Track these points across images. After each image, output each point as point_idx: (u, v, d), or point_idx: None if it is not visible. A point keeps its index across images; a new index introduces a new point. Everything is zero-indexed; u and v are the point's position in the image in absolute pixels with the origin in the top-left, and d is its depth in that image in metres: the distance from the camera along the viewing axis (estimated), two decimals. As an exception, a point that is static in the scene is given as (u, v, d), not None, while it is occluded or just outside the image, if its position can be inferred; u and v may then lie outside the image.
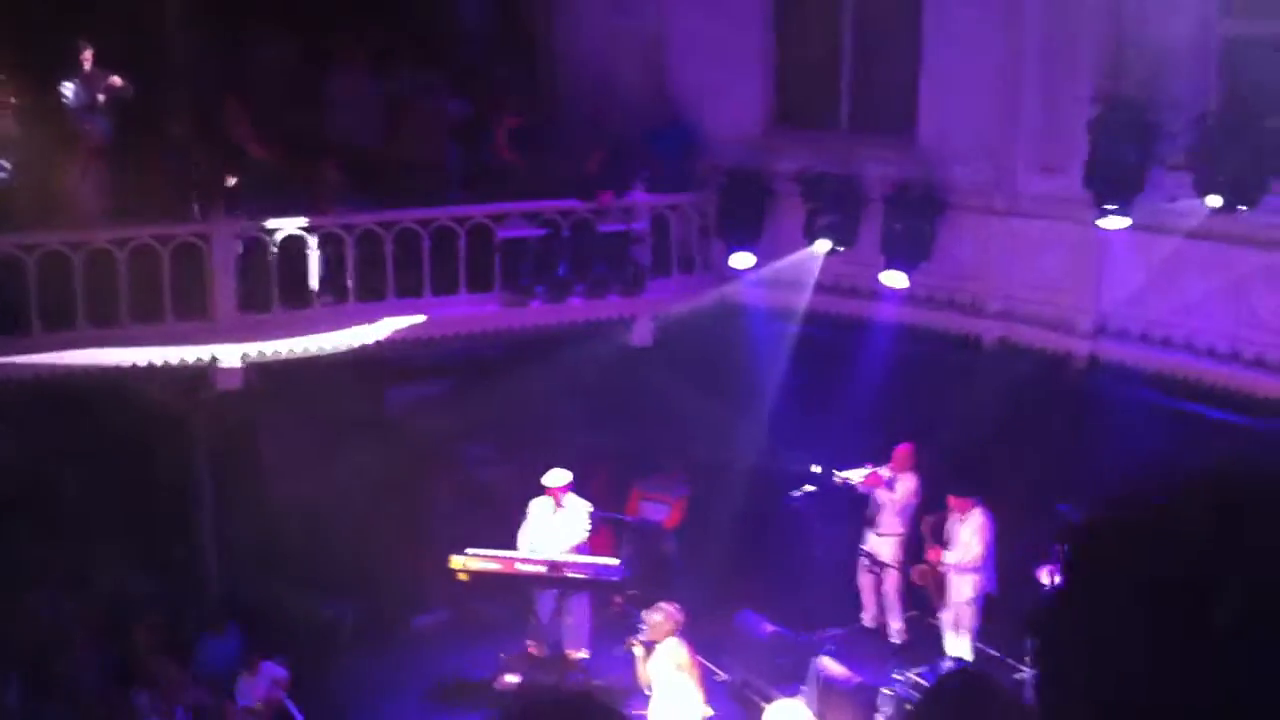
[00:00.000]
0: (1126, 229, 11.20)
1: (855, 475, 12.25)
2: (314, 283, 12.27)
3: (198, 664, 11.65)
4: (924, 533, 11.73)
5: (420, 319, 12.64)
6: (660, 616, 10.16)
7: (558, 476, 12.08)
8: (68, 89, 12.19)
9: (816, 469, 12.23)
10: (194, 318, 11.92)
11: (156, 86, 13.06)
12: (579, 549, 11.98)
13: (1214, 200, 10.22)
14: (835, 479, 12.17)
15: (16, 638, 11.40)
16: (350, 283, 12.42)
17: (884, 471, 12.29)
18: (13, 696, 11.14)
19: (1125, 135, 11.13)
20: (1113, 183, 11.21)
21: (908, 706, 10.32)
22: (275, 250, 12.12)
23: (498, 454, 14.60)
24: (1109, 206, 11.19)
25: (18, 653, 11.35)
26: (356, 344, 12.44)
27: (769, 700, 11.55)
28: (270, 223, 12.16)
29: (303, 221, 12.24)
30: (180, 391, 12.00)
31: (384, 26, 14.66)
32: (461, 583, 12.00)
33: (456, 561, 11.69)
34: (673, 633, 10.08)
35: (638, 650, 10.37)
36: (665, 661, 10.08)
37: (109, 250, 11.50)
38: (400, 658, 12.70)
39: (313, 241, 12.23)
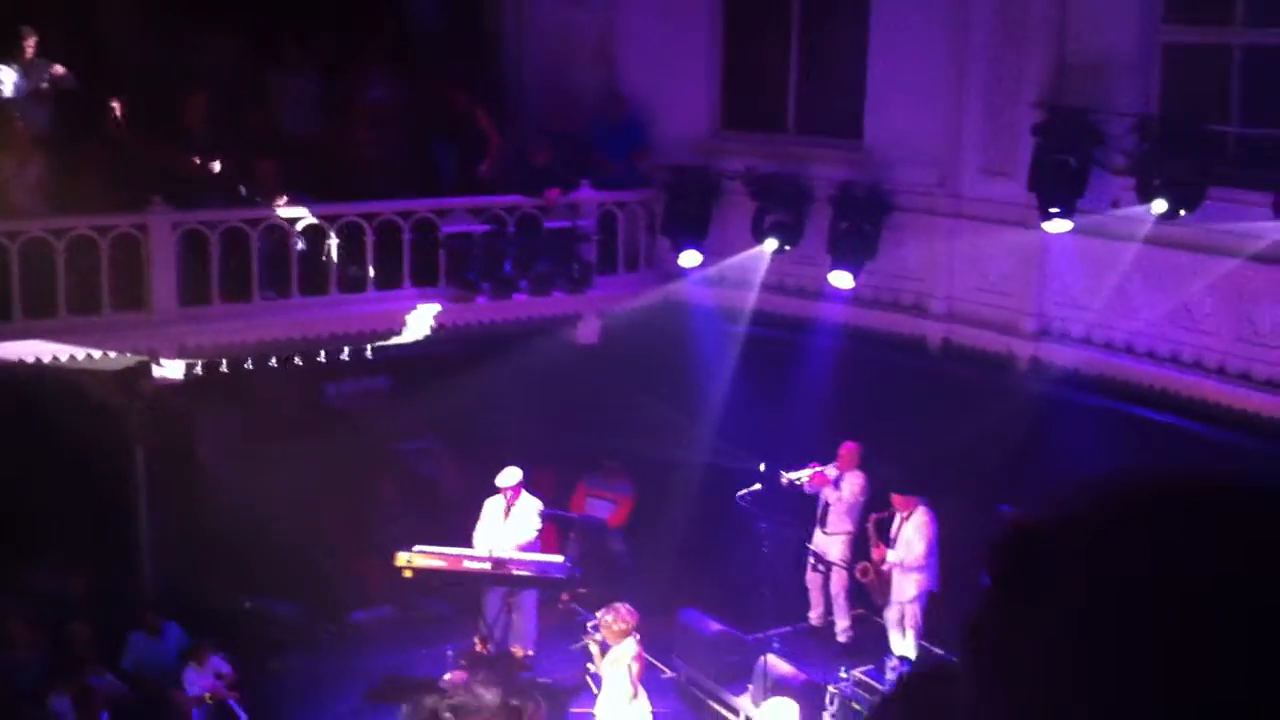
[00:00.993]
0: (1069, 232, 11.33)
1: (801, 475, 12.30)
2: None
3: (130, 662, 11.46)
4: (869, 530, 11.80)
5: (362, 313, 12.54)
6: (612, 616, 10.11)
7: (510, 475, 12.01)
8: (6, 76, 11.95)
9: (763, 467, 12.25)
10: (132, 310, 11.72)
11: (98, 78, 12.87)
12: (529, 546, 11.92)
13: (1158, 206, 10.36)
14: (782, 479, 12.20)
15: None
16: (294, 275, 12.27)
17: (830, 470, 12.35)
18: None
19: (1068, 140, 11.27)
20: (1056, 187, 11.34)
21: (855, 706, 10.36)
22: (216, 243, 11.95)
23: (441, 450, 14.52)
24: (1052, 210, 11.31)
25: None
26: (298, 338, 12.31)
27: (715, 699, 11.58)
28: (210, 215, 11.99)
29: (245, 214, 12.08)
30: (118, 385, 11.79)
31: (333, 25, 14.53)
32: (405, 580, 11.90)
33: (402, 558, 11.59)
34: (628, 634, 10.05)
35: (593, 647, 10.31)
36: (618, 661, 10.04)
37: (47, 241, 11.28)
38: (343, 655, 12.56)
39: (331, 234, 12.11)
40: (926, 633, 11.65)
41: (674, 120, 14.07)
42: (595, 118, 14.09)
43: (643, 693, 10.14)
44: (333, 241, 12.36)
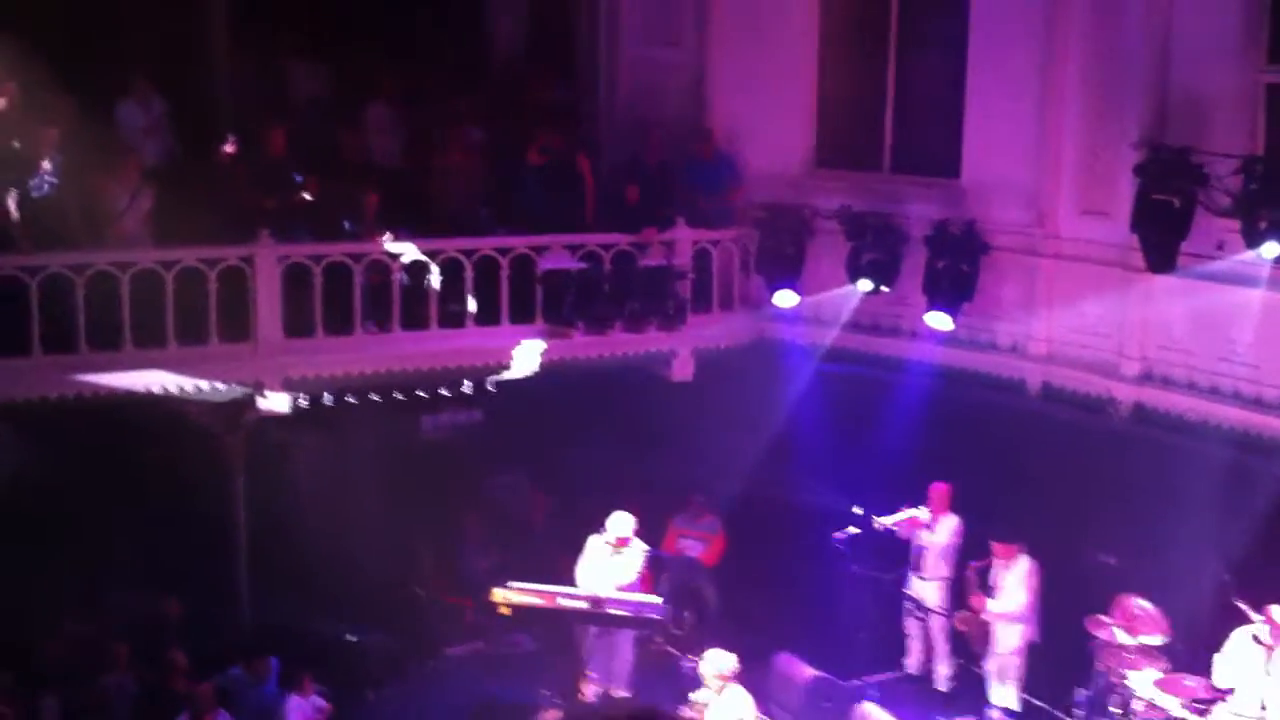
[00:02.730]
0: (1174, 274, 11.18)
1: (894, 519, 12.19)
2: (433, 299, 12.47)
3: (235, 705, 11.53)
4: (969, 579, 11.63)
5: (461, 348, 12.66)
6: (717, 664, 9.98)
7: (624, 524, 11.95)
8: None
9: (858, 510, 12.16)
10: (238, 341, 11.89)
11: (201, 112, 13.15)
12: (629, 588, 11.88)
13: (1270, 249, 10.19)
14: (875, 524, 12.10)
15: (55, 658, 11.32)
16: (395, 309, 12.40)
17: (923, 514, 12.23)
18: (50, 717, 11.07)
19: (1171, 180, 11.11)
20: (1158, 228, 11.20)
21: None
22: (319, 275, 12.12)
23: (530, 484, 14.57)
24: (1155, 253, 11.17)
25: (56, 673, 11.28)
26: (398, 370, 12.44)
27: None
28: (314, 249, 12.16)
29: (348, 248, 12.24)
30: (221, 415, 11.96)
31: (420, 57, 14.74)
32: (496, 614, 11.92)
33: (498, 594, 11.59)
34: (730, 680, 9.91)
35: (700, 700, 10.11)
36: (726, 711, 9.91)
37: (156, 272, 11.49)
38: (434, 688, 12.61)
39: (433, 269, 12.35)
40: (1028, 684, 11.46)
41: (767, 157, 14.07)
42: (687, 155, 14.13)
43: None
44: (434, 276, 12.47)
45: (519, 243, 12.90)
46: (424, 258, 12.45)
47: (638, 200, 13.68)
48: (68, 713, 11.14)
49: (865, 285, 12.96)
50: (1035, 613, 11.37)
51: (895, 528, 12.16)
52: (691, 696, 10.18)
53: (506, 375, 12.83)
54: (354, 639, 12.25)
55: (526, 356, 12.81)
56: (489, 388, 13.01)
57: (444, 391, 12.86)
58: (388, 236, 12.45)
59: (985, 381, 12.75)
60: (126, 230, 11.79)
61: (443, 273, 12.56)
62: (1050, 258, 12.45)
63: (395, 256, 12.37)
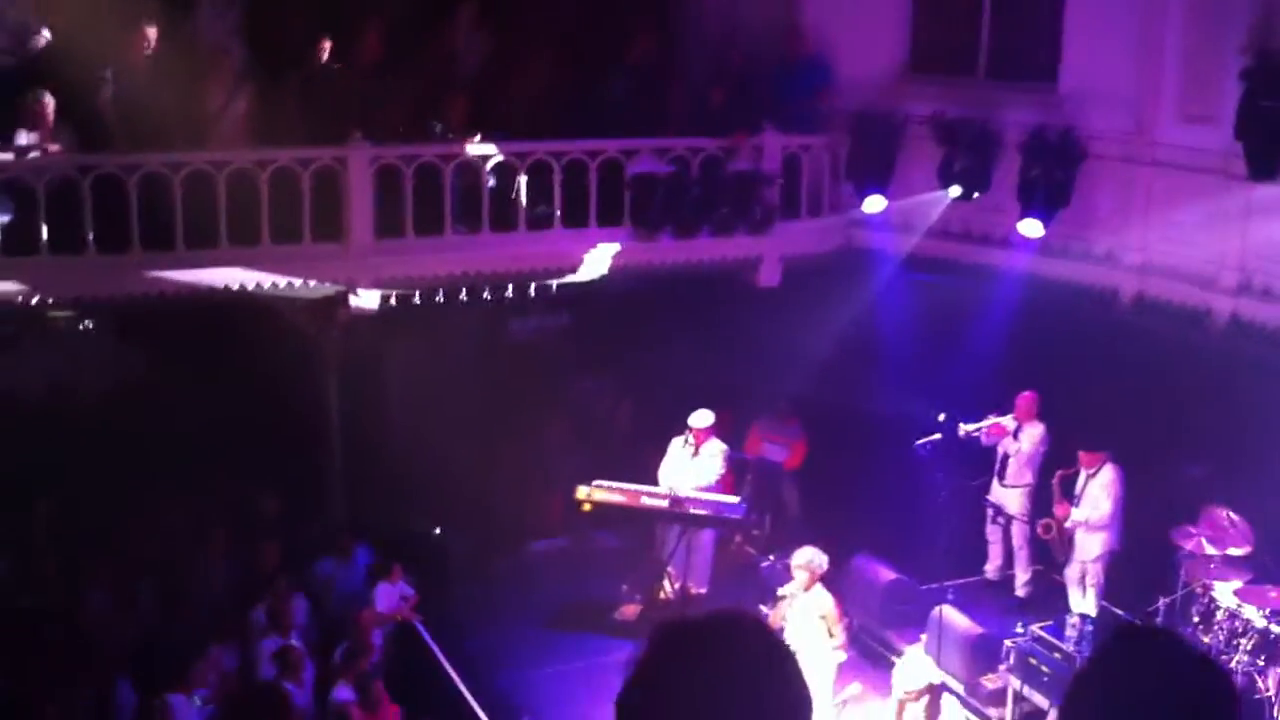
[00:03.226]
0: (1276, 183, 10.88)
1: (979, 426, 12.14)
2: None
3: (318, 585, 11.92)
4: (1053, 487, 11.58)
5: (549, 251, 12.75)
6: (807, 559, 10.07)
7: (703, 418, 12.11)
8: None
9: (942, 417, 12.13)
10: (331, 241, 12.08)
11: (293, 14, 13.21)
12: (709, 489, 12.01)
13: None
14: (960, 431, 12.06)
15: (151, 548, 11.73)
16: (485, 212, 12.50)
17: (1008, 422, 12.17)
18: (145, 603, 11.52)
19: (1278, 87, 10.79)
20: (1263, 136, 10.89)
21: (1033, 661, 10.23)
22: (410, 177, 12.23)
23: (616, 387, 14.71)
24: (1258, 161, 10.88)
25: (151, 562, 11.70)
26: (487, 272, 12.56)
27: (887, 647, 11.57)
28: (405, 150, 12.26)
29: (439, 150, 12.32)
30: (316, 313, 12.18)
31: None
32: (580, 513, 12.14)
33: (582, 492, 11.81)
34: (818, 579, 10.01)
35: (786, 593, 10.22)
36: (808, 608, 10.02)
37: (251, 171, 11.67)
38: (518, 584, 12.91)
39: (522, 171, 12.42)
40: (1108, 593, 11.44)
41: (859, 62, 13.83)
42: (777, 58, 13.95)
43: (840, 638, 10.00)
44: (522, 179, 12.53)
45: (609, 145, 12.89)
46: (511, 160, 12.48)
47: (723, 103, 13.56)
48: (164, 596, 11.56)
49: (956, 192, 12.79)
50: (1118, 521, 11.32)
51: (980, 434, 12.12)
52: (780, 590, 10.29)
53: (591, 278, 12.89)
54: (441, 534, 12.50)
55: (606, 260, 12.85)
56: (574, 291, 13.08)
57: (532, 294, 12.92)
58: (476, 138, 12.49)
59: (1077, 291, 12.57)
60: (223, 132, 11.95)
61: (531, 176, 12.60)
62: (1149, 165, 12.17)
63: (485, 159, 12.43)
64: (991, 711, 10.66)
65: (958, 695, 10.79)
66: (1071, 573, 11.51)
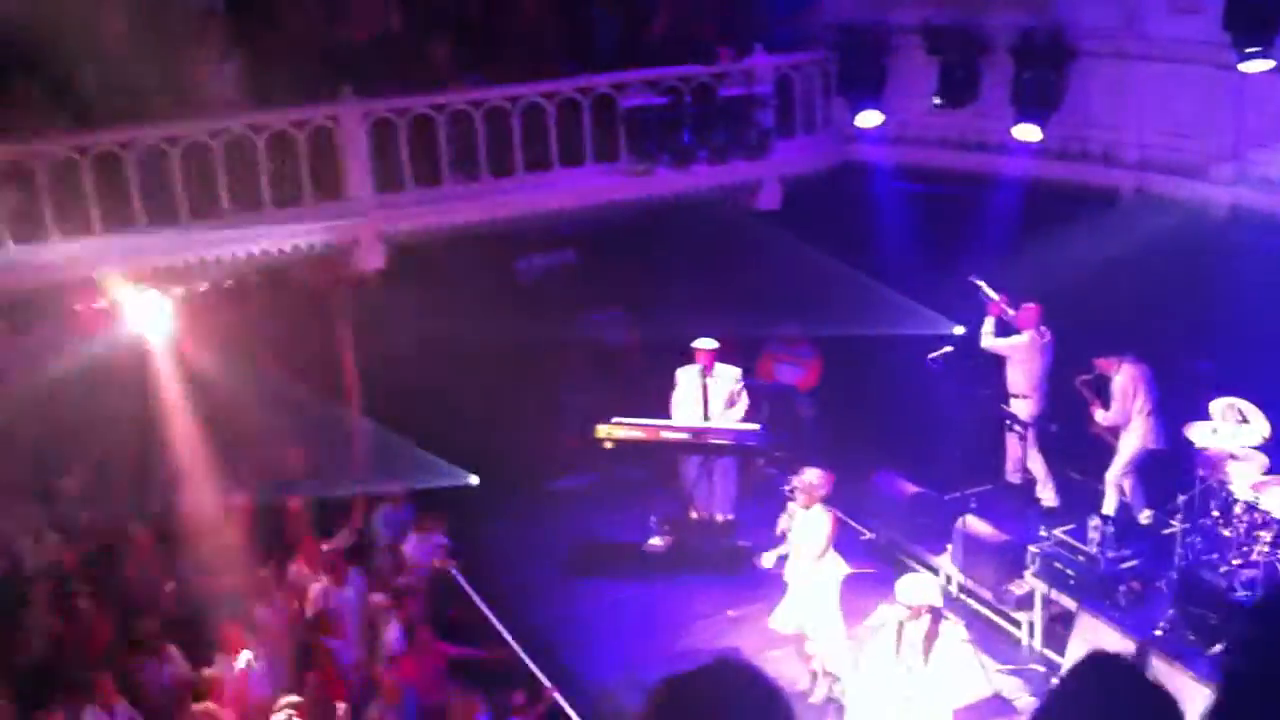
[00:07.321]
0: (1269, 71, 10.86)
1: (990, 293, 12.09)
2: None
3: (373, 532, 12.11)
4: (1079, 391, 11.57)
5: (548, 190, 12.76)
6: (807, 480, 10.24)
7: (708, 342, 12.22)
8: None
9: (959, 330, 12.22)
10: (331, 200, 12.10)
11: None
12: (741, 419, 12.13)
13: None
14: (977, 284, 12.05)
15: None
16: (482, 158, 12.50)
17: (1008, 310, 12.14)
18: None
19: (1266, -28, 10.72)
20: (1254, 22, 10.85)
21: (1058, 565, 10.35)
22: (404, 129, 12.21)
23: (626, 320, 14.79)
24: (1250, 49, 10.85)
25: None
26: (488, 218, 12.59)
27: (916, 559, 11.77)
28: (397, 103, 12.22)
29: (431, 100, 12.29)
30: (323, 271, 12.25)
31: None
32: (602, 449, 12.26)
33: (602, 430, 11.95)
34: (819, 499, 10.18)
35: (793, 505, 10.42)
36: (808, 525, 10.22)
37: (247, 137, 11.65)
38: (543, 523, 13.09)
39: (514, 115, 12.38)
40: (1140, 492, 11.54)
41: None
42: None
43: (832, 554, 10.21)
44: (515, 122, 12.51)
45: (600, 81, 12.85)
46: (503, 103, 12.45)
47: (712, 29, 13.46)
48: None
49: (950, 99, 12.76)
50: (1147, 418, 11.32)
51: (993, 298, 12.04)
52: (789, 508, 10.51)
53: (592, 214, 12.91)
54: (466, 477, 12.62)
55: (605, 194, 12.86)
56: (577, 228, 13.11)
57: (533, 234, 12.96)
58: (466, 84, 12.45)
59: (1077, 192, 12.59)
60: (216, 94, 11.91)
61: (524, 117, 12.57)
62: (1140, 59, 12.14)
63: (477, 105, 12.39)
64: (1021, 616, 10.87)
65: (985, 603, 11.02)
66: (1110, 474, 11.54)
